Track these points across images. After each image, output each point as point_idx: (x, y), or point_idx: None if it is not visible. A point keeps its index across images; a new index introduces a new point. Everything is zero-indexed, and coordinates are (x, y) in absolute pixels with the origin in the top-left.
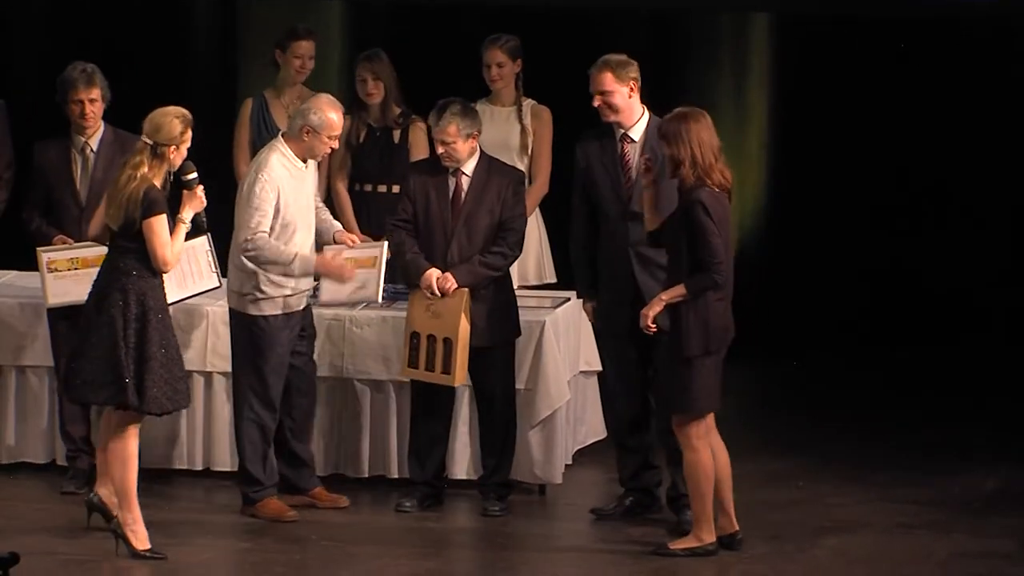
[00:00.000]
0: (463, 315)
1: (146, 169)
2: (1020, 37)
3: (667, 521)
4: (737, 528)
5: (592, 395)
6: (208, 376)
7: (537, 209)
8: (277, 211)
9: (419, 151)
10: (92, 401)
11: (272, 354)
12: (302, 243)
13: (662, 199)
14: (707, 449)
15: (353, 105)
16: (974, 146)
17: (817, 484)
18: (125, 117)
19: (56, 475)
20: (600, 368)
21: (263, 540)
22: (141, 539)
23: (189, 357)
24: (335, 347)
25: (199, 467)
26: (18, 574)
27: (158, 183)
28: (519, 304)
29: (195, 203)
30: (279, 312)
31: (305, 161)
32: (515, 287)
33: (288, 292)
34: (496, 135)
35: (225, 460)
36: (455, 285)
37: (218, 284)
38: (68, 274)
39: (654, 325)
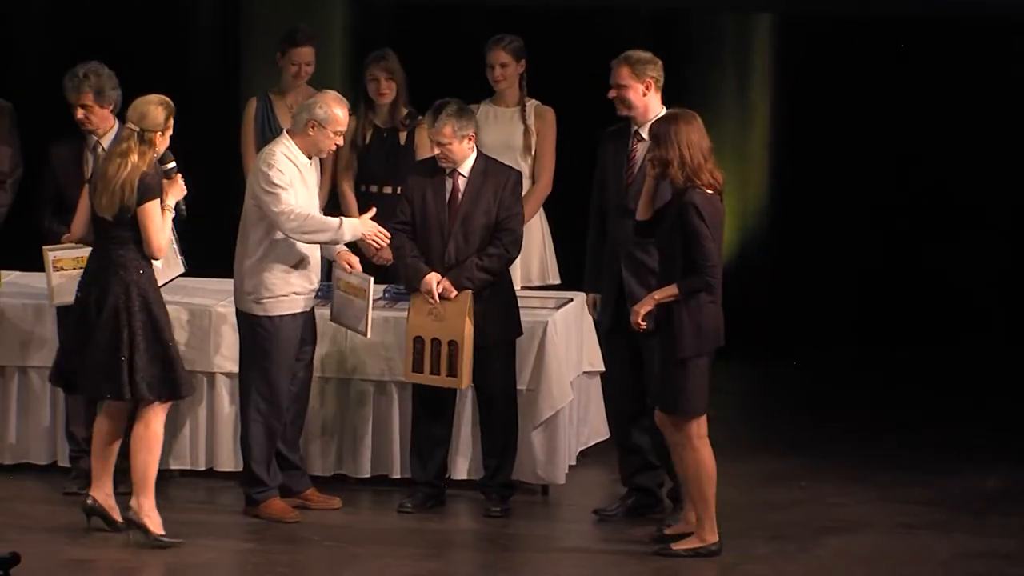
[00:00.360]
0: (467, 317)
1: (135, 156)
2: (1021, 37)
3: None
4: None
5: (595, 396)
6: (212, 376)
7: (541, 210)
8: None
9: (425, 152)
10: (96, 395)
11: (279, 355)
12: None
13: (665, 196)
14: (708, 448)
15: (360, 105)
16: (975, 146)
17: (819, 484)
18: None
19: (58, 476)
20: (603, 368)
21: (265, 540)
22: (157, 524)
23: (192, 357)
24: (337, 348)
25: (202, 467)
26: (19, 574)
27: (147, 168)
28: (522, 305)
29: (176, 190)
30: (286, 313)
31: (310, 157)
32: (519, 288)
33: (295, 292)
34: (499, 135)
35: (228, 461)
36: (454, 292)
37: (183, 270)
38: (74, 273)
39: (644, 323)
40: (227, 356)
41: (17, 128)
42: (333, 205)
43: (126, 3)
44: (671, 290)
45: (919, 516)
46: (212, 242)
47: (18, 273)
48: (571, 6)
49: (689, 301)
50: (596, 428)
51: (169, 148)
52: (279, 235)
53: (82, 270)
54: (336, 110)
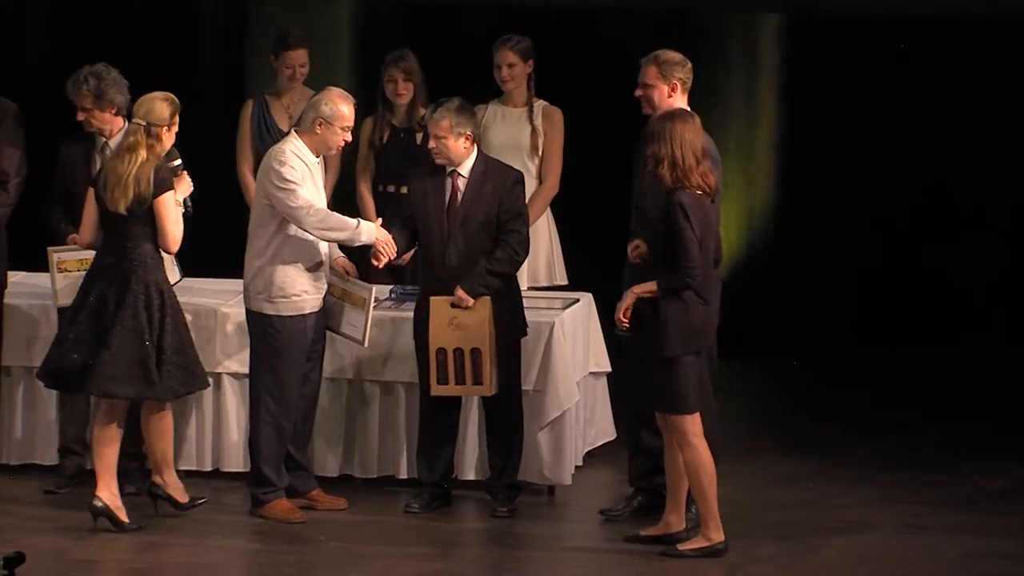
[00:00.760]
0: (488, 323)
1: (143, 150)
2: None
3: None
4: (684, 527)
5: (602, 396)
6: (217, 377)
7: (548, 210)
8: None
9: None
10: (118, 395)
11: (289, 354)
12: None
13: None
14: (704, 445)
15: (378, 105)
16: (980, 147)
17: (824, 485)
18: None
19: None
20: (609, 369)
21: (272, 541)
22: (181, 494)
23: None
24: (344, 348)
25: (208, 468)
26: (24, 574)
27: (159, 163)
28: (529, 305)
29: (184, 187)
30: (297, 312)
31: (318, 156)
32: (525, 288)
33: (306, 291)
34: (507, 135)
35: (234, 461)
36: (471, 301)
37: (179, 278)
38: (78, 274)
39: (626, 320)
40: (232, 357)
41: (23, 128)
42: (349, 204)
43: (133, 3)
44: (650, 286)
45: (924, 517)
46: (216, 241)
47: (24, 273)
48: (578, 6)
49: (674, 300)
50: (603, 429)
51: (175, 146)
52: (290, 234)
53: (86, 272)
54: (342, 107)
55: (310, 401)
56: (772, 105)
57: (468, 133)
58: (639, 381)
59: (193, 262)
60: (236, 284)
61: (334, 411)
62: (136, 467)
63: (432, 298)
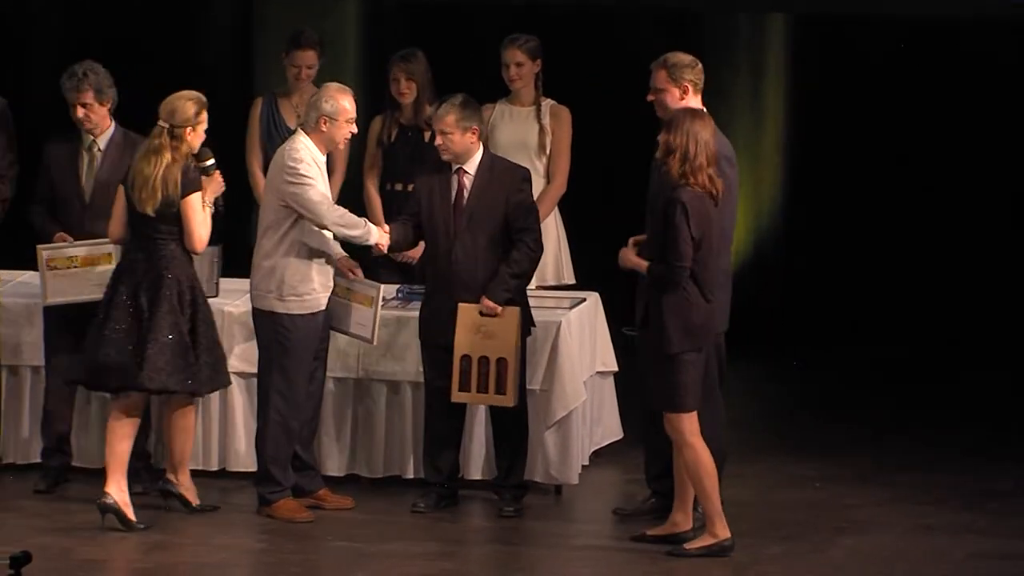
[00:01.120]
0: (517, 333)
1: (168, 153)
2: None
3: None
4: (692, 527)
5: (608, 396)
6: None
7: (556, 209)
8: None
9: None
10: (167, 388)
11: (298, 353)
12: (327, 235)
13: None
14: (702, 444)
15: (386, 104)
16: (988, 147)
17: (832, 485)
18: (141, 117)
19: (71, 476)
20: (616, 368)
21: (278, 540)
22: (194, 496)
23: None
24: (350, 347)
25: (215, 467)
26: (31, 574)
27: (185, 163)
28: (536, 304)
29: (215, 187)
30: (306, 311)
31: (325, 153)
32: (533, 287)
33: (315, 290)
34: (514, 134)
35: (241, 460)
36: (499, 309)
37: (215, 294)
38: (67, 272)
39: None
40: (239, 356)
41: (11, 126)
42: (355, 203)
43: (140, 2)
44: (642, 264)
45: (932, 517)
46: (223, 240)
47: (31, 273)
48: (586, 6)
49: (676, 297)
50: (609, 428)
51: (206, 146)
52: (302, 233)
53: (76, 269)
54: (342, 101)
55: (316, 400)
56: (779, 105)
57: (474, 128)
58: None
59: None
60: (242, 283)
61: (341, 411)
62: (142, 466)
63: (460, 304)
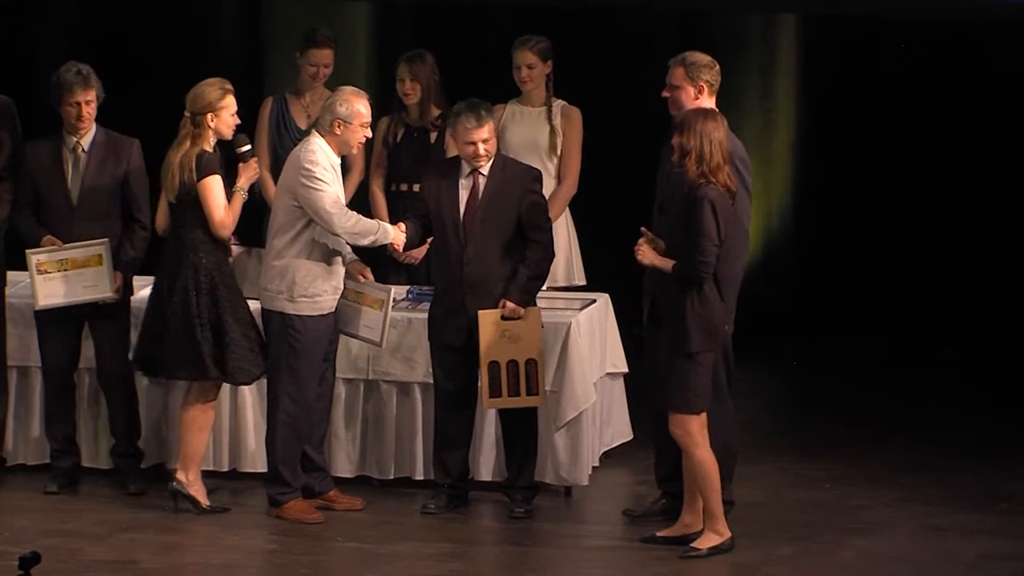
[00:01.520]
0: (540, 333)
1: (188, 139)
2: None
3: None
4: (702, 528)
5: (618, 397)
6: None
7: (567, 210)
8: None
9: (455, 152)
10: (173, 378)
11: (308, 354)
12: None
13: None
14: (708, 443)
15: (392, 105)
16: (998, 147)
17: (842, 485)
18: (149, 117)
19: (83, 477)
20: (626, 369)
21: (289, 541)
22: (204, 496)
23: None
24: (360, 349)
25: (225, 468)
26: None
27: (207, 149)
28: (547, 305)
29: (249, 173)
30: (316, 312)
31: (339, 156)
32: (544, 288)
33: (325, 291)
34: (525, 135)
35: (251, 461)
36: (522, 311)
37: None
38: (57, 275)
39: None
40: None
41: (17, 125)
42: (361, 203)
43: (149, 3)
44: (667, 263)
45: (942, 518)
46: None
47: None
48: (597, 6)
49: (695, 296)
50: (619, 429)
51: (244, 132)
52: (314, 234)
53: (66, 272)
54: (356, 105)
55: (326, 402)
56: (789, 105)
57: (498, 130)
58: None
59: None
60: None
61: (351, 412)
62: (135, 467)
63: (480, 312)
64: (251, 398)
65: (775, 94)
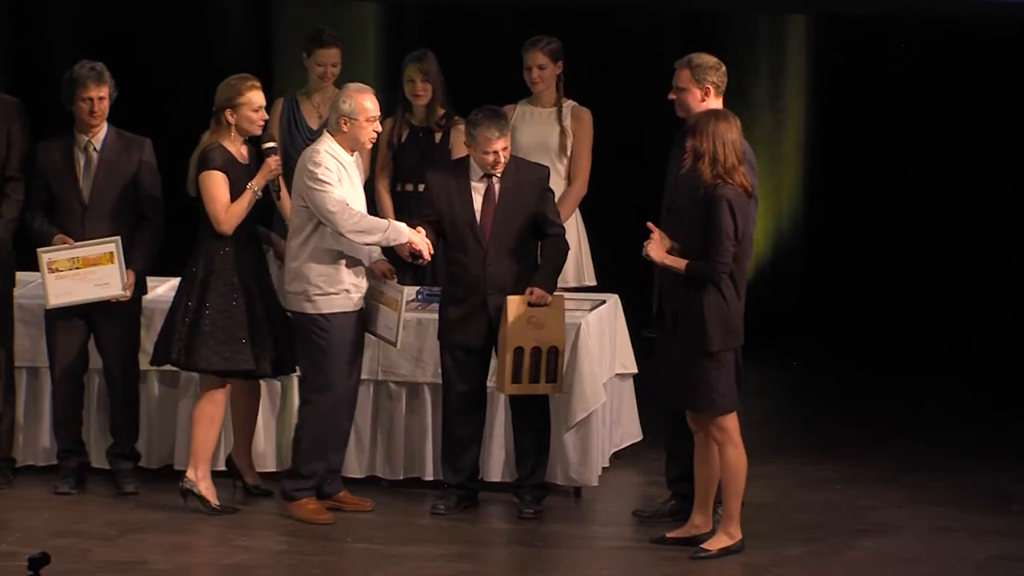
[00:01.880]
0: (564, 321)
1: (207, 135)
2: None
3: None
4: (711, 529)
5: (628, 398)
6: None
7: (577, 211)
8: None
9: (460, 152)
10: (153, 361)
11: (335, 352)
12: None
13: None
14: (741, 445)
15: (397, 105)
16: (1011, 147)
17: (852, 486)
18: (158, 118)
19: (90, 477)
20: (635, 370)
21: (298, 542)
22: (213, 496)
23: None
24: (370, 350)
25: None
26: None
27: (229, 145)
28: None
29: (265, 171)
30: (339, 310)
31: (352, 153)
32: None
33: (346, 289)
34: (535, 136)
35: (261, 461)
36: (549, 297)
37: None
38: (69, 274)
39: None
40: None
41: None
42: (369, 204)
43: (158, 4)
44: (679, 262)
45: (952, 518)
46: None
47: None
48: (606, 7)
49: (713, 294)
50: (629, 430)
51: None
52: (327, 233)
53: (78, 270)
54: (360, 100)
55: (351, 405)
56: (799, 106)
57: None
58: (664, 385)
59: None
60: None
61: (360, 413)
62: (129, 468)
63: (509, 297)
64: (263, 398)
65: (785, 95)
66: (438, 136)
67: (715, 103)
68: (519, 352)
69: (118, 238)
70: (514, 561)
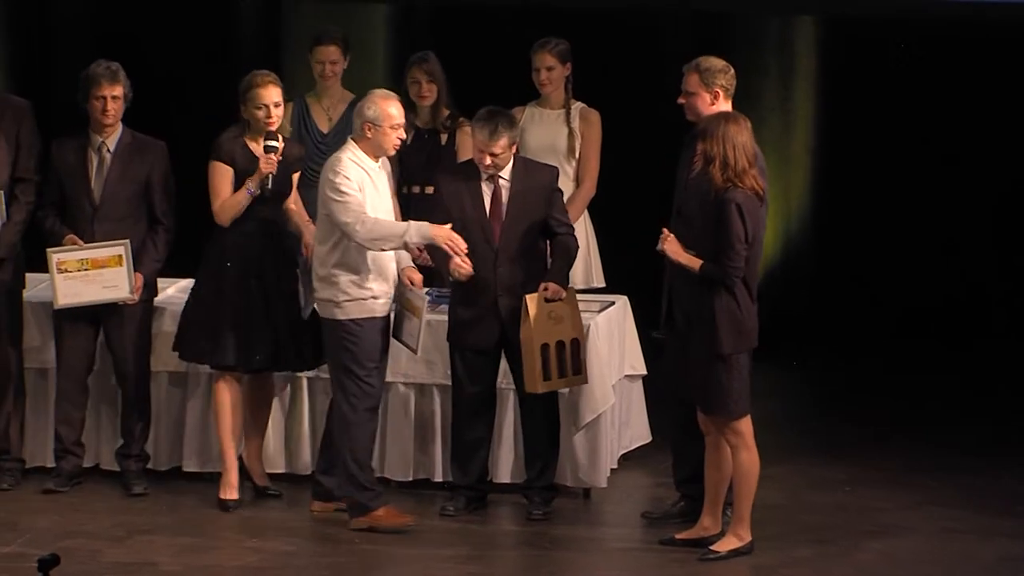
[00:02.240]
0: (580, 312)
1: (233, 127)
2: None
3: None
4: (720, 531)
5: (637, 399)
6: None
7: (586, 212)
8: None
9: (466, 154)
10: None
11: (364, 357)
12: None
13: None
14: (754, 448)
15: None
16: (1012, 147)
17: (861, 488)
18: (167, 120)
19: (97, 478)
20: (644, 372)
21: (307, 543)
22: (260, 476)
23: None
24: None
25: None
26: None
27: (248, 140)
28: None
29: (260, 168)
30: (368, 315)
31: (376, 159)
32: None
33: (374, 296)
34: (544, 137)
35: (272, 462)
36: (563, 291)
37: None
38: (78, 275)
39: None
40: None
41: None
42: None
43: (170, 7)
44: (695, 261)
45: (961, 520)
46: None
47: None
48: (615, 9)
49: (726, 296)
50: (638, 431)
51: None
52: (347, 243)
53: (86, 272)
54: (385, 107)
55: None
56: (808, 108)
57: (516, 140)
58: (680, 383)
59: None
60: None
61: None
62: (139, 469)
63: (527, 296)
64: (277, 400)
65: (794, 97)
66: (444, 138)
67: (724, 106)
68: (545, 349)
69: (127, 241)
70: (523, 563)
